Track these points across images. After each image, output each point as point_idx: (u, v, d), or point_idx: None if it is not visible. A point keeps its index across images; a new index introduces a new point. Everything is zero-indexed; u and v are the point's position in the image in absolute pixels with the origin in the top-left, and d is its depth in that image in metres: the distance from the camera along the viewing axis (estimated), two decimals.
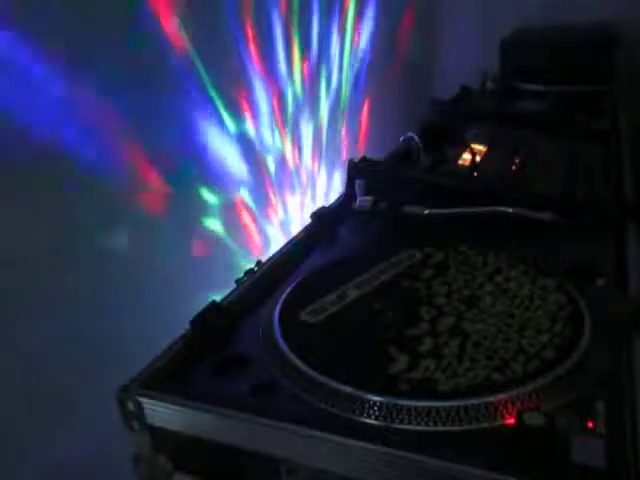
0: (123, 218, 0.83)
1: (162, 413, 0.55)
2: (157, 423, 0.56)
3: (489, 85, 1.68)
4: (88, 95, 0.74)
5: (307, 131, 1.32)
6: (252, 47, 1.07)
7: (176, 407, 0.55)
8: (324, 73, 1.38)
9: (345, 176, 1.03)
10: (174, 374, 0.60)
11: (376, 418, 0.52)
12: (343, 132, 1.52)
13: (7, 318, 0.66)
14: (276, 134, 1.20)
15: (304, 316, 0.66)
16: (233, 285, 0.74)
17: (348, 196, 1.02)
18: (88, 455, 0.74)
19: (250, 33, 1.06)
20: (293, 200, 1.29)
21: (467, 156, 1.13)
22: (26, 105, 0.68)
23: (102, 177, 0.79)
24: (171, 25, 0.86)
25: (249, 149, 1.11)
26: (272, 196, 1.21)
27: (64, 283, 0.74)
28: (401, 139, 1.15)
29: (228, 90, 1.01)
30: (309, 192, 1.36)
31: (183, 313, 0.64)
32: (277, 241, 1.21)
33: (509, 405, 0.51)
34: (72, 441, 0.74)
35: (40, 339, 0.70)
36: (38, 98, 0.69)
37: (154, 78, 0.85)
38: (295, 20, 1.22)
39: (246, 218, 1.12)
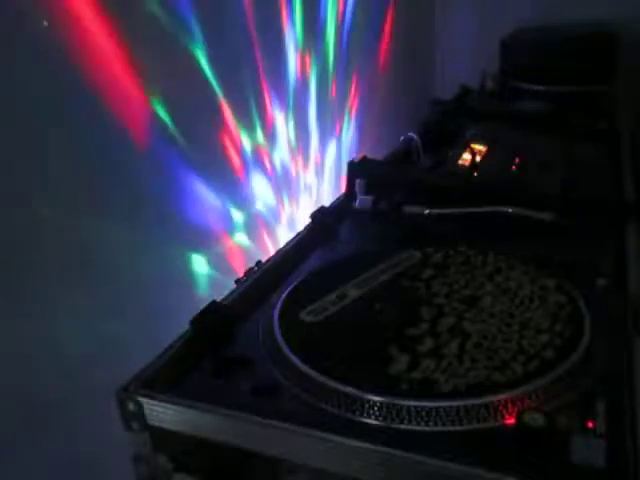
0: None
1: (162, 413, 0.55)
2: (157, 423, 0.56)
3: (489, 85, 1.68)
4: None
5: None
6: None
7: (176, 407, 0.55)
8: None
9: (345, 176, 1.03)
10: (174, 374, 0.60)
11: (376, 418, 0.52)
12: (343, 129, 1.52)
13: (6, 318, 0.66)
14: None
15: (304, 316, 0.66)
16: None
17: (348, 196, 1.02)
18: (88, 455, 0.74)
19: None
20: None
21: (467, 156, 1.13)
22: None
23: None
24: None
25: None
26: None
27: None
28: (401, 139, 1.15)
29: None
30: (307, 193, 1.35)
31: None
32: None
33: (509, 405, 0.51)
34: (71, 441, 0.73)
35: (39, 338, 0.70)
36: None
37: None
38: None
39: None
